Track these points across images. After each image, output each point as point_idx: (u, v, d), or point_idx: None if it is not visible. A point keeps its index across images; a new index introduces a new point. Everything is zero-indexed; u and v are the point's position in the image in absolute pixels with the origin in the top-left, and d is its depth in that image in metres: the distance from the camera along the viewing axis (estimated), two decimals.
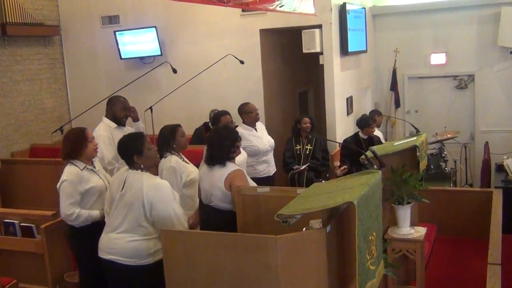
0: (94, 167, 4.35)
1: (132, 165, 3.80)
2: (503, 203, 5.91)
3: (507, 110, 9.29)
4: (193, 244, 2.75)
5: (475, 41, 9.31)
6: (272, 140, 6.57)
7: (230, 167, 4.06)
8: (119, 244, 3.72)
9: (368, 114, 7.92)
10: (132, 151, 3.77)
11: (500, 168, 7.75)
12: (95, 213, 4.20)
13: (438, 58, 9.62)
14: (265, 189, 3.49)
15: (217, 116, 6.02)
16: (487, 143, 8.70)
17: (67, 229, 4.36)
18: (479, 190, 7.15)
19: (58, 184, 4.19)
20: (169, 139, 4.68)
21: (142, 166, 3.78)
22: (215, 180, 4.03)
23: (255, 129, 6.44)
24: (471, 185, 8.82)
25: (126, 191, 3.72)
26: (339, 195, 2.63)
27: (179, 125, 4.83)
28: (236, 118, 6.56)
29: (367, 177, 2.92)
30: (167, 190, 3.69)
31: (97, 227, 4.09)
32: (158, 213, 3.60)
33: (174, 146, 4.68)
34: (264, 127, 6.68)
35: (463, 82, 9.68)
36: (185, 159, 4.83)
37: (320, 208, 2.53)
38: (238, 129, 6.32)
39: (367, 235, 2.62)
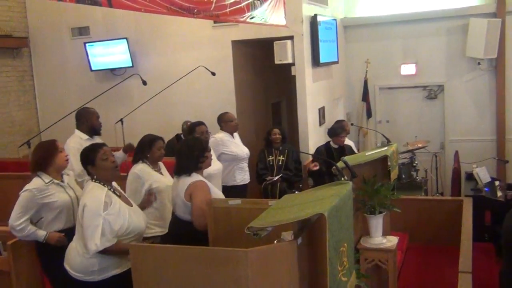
0: (63, 181, 4.26)
1: (89, 175, 3.79)
2: (473, 212, 6.00)
3: (476, 119, 9.46)
4: (163, 258, 2.70)
5: (444, 52, 9.47)
6: (247, 150, 6.70)
7: (193, 177, 4.02)
8: (71, 255, 3.70)
9: (340, 123, 7.94)
10: (86, 161, 3.76)
11: (470, 176, 7.86)
12: (42, 233, 4.12)
13: (408, 69, 9.75)
14: (237, 201, 3.45)
15: (192, 126, 6.02)
16: (457, 152, 8.82)
17: (36, 246, 4.27)
18: (450, 199, 7.25)
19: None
20: (144, 148, 4.73)
21: (95, 176, 3.73)
22: (179, 190, 4.00)
23: (232, 137, 6.58)
24: (442, 194, 8.92)
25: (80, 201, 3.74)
26: (310, 206, 2.62)
27: (160, 138, 4.87)
28: (211, 129, 6.55)
29: (337, 188, 2.91)
30: (98, 200, 3.58)
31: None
32: (83, 221, 3.54)
33: (148, 156, 4.72)
34: (239, 138, 6.72)
35: (433, 93, 9.83)
36: (162, 169, 4.86)
37: (291, 220, 2.51)
38: (218, 134, 6.40)
39: (338, 247, 2.61)
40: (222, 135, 6.48)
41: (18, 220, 4.05)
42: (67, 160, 4.32)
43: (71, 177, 4.46)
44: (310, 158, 7.87)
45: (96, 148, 3.79)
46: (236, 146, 6.55)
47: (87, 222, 3.51)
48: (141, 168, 4.66)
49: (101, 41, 8.74)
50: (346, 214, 2.79)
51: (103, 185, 3.69)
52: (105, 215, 3.55)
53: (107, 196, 3.62)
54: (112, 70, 8.81)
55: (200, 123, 5.98)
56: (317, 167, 6.87)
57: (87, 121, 5.45)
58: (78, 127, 5.49)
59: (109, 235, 3.55)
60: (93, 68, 8.85)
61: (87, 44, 8.75)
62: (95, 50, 8.75)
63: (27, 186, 4.10)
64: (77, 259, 3.63)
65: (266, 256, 2.55)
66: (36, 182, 4.11)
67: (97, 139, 5.51)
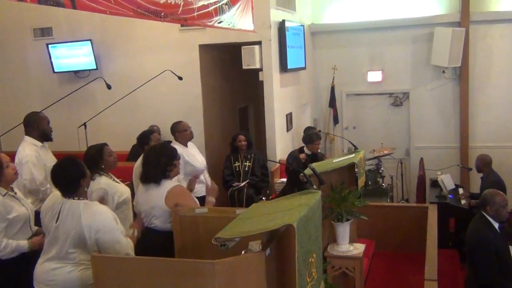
0: (15, 193, 4.07)
1: (74, 191, 3.53)
2: (438, 218, 6.05)
3: (441, 126, 9.61)
4: (127, 270, 2.61)
5: (410, 60, 9.59)
6: (204, 160, 6.49)
7: (168, 183, 3.91)
8: (60, 275, 3.47)
9: (314, 130, 7.93)
10: (78, 175, 3.54)
11: (435, 183, 7.97)
12: (24, 243, 3.90)
13: (374, 76, 9.84)
14: (203, 209, 3.38)
15: (146, 135, 5.84)
16: (422, 159, 8.93)
17: None
18: (415, 206, 7.31)
19: None
20: (97, 159, 4.44)
21: (86, 189, 3.59)
22: (154, 200, 3.87)
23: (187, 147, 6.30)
24: (407, 200, 9.01)
25: (61, 222, 3.47)
26: (279, 217, 2.57)
27: (105, 144, 4.62)
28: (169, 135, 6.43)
29: (307, 197, 2.87)
30: (108, 215, 3.47)
31: (22, 258, 3.84)
32: (102, 241, 3.38)
33: (103, 166, 4.47)
34: (195, 147, 6.52)
35: (399, 100, 9.94)
36: (115, 178, 4.63)
37: (259, 231, 2.45)
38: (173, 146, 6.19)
39: (307, 258, 2.56)
40: (176, 148, 6.23)
41: None
42: (16, 173, 4.09)
43: (18, 191, 4.25)
44: (278, 165, 7.84)
45: (80, 161, 3.65)
46: (192, 157, 6.22)
47: (110, 241, 3.37)
48: (105, 182, 4.39)
49: (64, 42, 8.52)
50: (315, 224, 2.75)
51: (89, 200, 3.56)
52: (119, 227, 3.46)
53: (109, 210, 3.52)
54: (76, 72, 8.61)
55: (152, 131, 5.85)
56: (305, 159, 6.74)
57: (38, 126, 5.08)
58: (28, 133, 5.10)
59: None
60: (56, 70, 8.62)
61: (49, 46, 8.53)
62: (58, 52, 8.53)
63: None
64: (70, 276, 3.45)
65: (234, 267, 2.49)
66: None
67: (47, 146, 5.23)
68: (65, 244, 3.46)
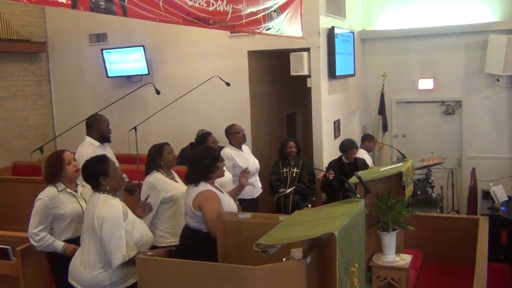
0: (76, 190, 4.26)
1: (97, 187, 3.73)
2: (489, 231, 5.87)
3: (494, 136, 9.32)
4: (170, 273, 2.66)
5: (463, 68, 9.36)
6: (258, 163, 6.55)
7: (202, 187, 3.99)
8: (79, 272, 3.66)
9: (349, 139, 7.85)
10: (98, 172, 3.71)
11: (487, 195, 7.73)
12: (59, 244, 4.11)
13: (425, 83, 9.66)
14: (247, 215, 3.41)
15: (205, 135, 5.97)
16: (474, 169, 8.69)
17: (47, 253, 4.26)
18: (466, 217, 7.11)
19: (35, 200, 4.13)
20: (156, 156, 4.72)
21: (108, 188, 3.71)
22: (188, 199, 3.97)
23: (241, 150, 6.43)
24: (457, 212, 8.78)
25: (87, 212, 3.70)
26: (321, 225, 2.56)
27: (166, 143, 4.87)
28: (223, 138, 6.51)
29: (349, 206, 2.85)
30: (118, 211, 3.58)
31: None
32: (104, 232, 3.51)
33: (162, 163, 4.71)
34: (249, 150, 6.64)
35: (451, 108, 9.71)
36: (176, 177, 4.84)
37: (301, 238, 2.45)
38: (225, 149, 6.29)
39: (348, 267, 2.54)
40: (228, 150, 6.35)
41: (35, 228, 4.05)
42: (78, 170, 4.29)
43: (86, 189, 4.43)
44: (324, 172, 7.79)
45: (106, 159, 3.81)
46: (244, 160, 6.34)
47: (109, 234, 3.49)
48: (155, 177, 4.63)
49: (118, 48, 8.77)
50: (358, 233, 2.73)
51: (112, 195, 3.66)
52: (125, 225, 3.55)
53: (123, 206, 3.63)
54: (128, 77, 8.83)
55: (210, 133, 6.00)
56: (333, 175, 6.73)
57: (98, 128, 5.39)
58: (89, 134, 5.42)
59: (132, 244, 3.56)
60: (109, 75, 8.88)
61: (104, 51, 8.79)
62: (111, 57, 8.79)
63: (40, 195, 4.12)
64: (87, 274, 3.61)
65: (274, 274, 2.50)
66: (49, 190, 4.13)
67: (107, 146, 5.49)
68: (87, 233, 3.65)
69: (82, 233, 3.72)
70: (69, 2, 2.84)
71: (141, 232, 3.68)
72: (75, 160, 4.38)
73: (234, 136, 6.38)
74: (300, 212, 3.20)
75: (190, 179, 4.08)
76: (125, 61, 8.70)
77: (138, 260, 2.79)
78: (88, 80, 9.30)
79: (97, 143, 5.36)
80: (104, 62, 8.82)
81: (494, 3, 9.08)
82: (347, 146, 7.06)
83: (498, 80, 9.05)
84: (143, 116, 7.33)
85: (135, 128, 6.27)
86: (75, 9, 2.89)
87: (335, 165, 7.07)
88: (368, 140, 8.23)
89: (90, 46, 9.14)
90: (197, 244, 3.87)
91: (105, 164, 3.74)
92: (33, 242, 4.12)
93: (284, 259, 2.69)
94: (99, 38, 9.08)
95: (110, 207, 3.57)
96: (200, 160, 4.07)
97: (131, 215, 3.69)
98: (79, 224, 4.19)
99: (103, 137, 5.42)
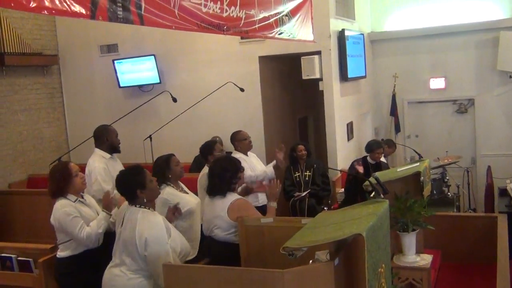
0: (85, 200, 4.27)
1: (134, 200, 3.65)
2: (508, 228, 5.82)
3: (508, 133, 9.26)
4: (197, 279, 2.66)
5: (474, 66, 9.32)
6: (265, 168, 6.47)
7: (232, 196, 3.98)
8: (120, 281, 3.60)
9: (375, 139, 7.90)
10: (135, 185, 3.62)
11: (504, 192, 7.68)
12: (101, 217, 4.15)
13: (437, 83, 9.63)
14: (269, 219, 3.41)
15: (209, 145, 5.91)
16: (489, 167, 8.64)
17: (57, 266, 4.25)
18: (484, 215, 7.06)
19: (51, 218, 4.10)
20: (164, 170, 4.58)
21: (145, 200, 3.64)
22: (218, 210, 3.94)
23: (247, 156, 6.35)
24: (474, 210, 8.71)
25: (124, 228, 3.62)
26: (347, 226, 2.55)
27: (172, 155, 4.75)
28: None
29: (374, 207, 2.84)
30: (161, 227, 3.54)
31: (85, 264, 4.03)
32: (149, 251, 3.45)
33: (170, 176, 4.59)
34: (255, 156, 6.56)
35: (463, 107, 9.67)
36: (184, 188, 4.75)
37: (328, 240, 2.45)
38: (234, 154, 6.26)
39: (376, 268, 2.53)
40: (236, 157, 6.31)
41: (80, 232, 4.01)
42: (84, 182, 4.29)
43: (90, 197, 4.46)
44: (339, 174, 7.78)
45: (142, 171, 3.72)
46: (252, 167, 6.24)
47: (155, 256, 3.41)
48: (168, 192, 4.51)
49: (129, 58, 8.82)
50: (384, 234, 2.72)
51: (150, 209, 3.62)
52: (170, 242, 3.51)
53: (164, 221, 3.57)
54: (140, 86, 8.88)
55: (215, 142, 5.93)
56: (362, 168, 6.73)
57: (107, 139, 5.28)
58: (98, 146, 5.30)
59: (178, 260, 3.51)
60: (121, 85, 8.93)
61: (115, 61, 8.85)
62: (123, 67, 8.84)
63: (59, 208, 4.06)
64: (129, 283, 3.56)
65: (302, 277, 2.49)
66: (64, 202, 4.09)
67: (116, 157, 5.45)
68: (124, 250, 3.59)
69: (116, 242, 3.66)
70: (88, 13, 2.86)
71: (180, 245, 3.64)
72: (81, 172, 4.37)
73: (241, 142, 6.27)
74: (324, 214, 3.20)
75: (215, 192, 4.07)
76: (137, 71, 8.74)
77: (164, 267, 2.79)
78: (100, 91, 9.36)
79: (108, 155, 5.26)
80: (116, 73, 8.87)
81: (503, 0, 9.04)
82: (374, 146, 7.05)
83: (510, 77, 8.99)
84: (156, 125, 7.38)
85: (150, 137, 6.32)
86: (94, 19, 2.91)
87: (359, 163, 7.05)
88: (388, 145, 8.24)
89: (101, 57, 9.20)
90: (225, 256, 3.82)
91: (142, 176, 3.65)
92: (90, 244, 4.08)
93: (310, 261, 2.69)
94: (110, 49, 9.14)
95: (152, 225, 3.50)
96: (223, 172, 4.07)
97: (172, 229, 3.64)
98: None
99: (113, 148, 5.33)
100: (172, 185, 4.59)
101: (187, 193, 4.70)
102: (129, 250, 3.55)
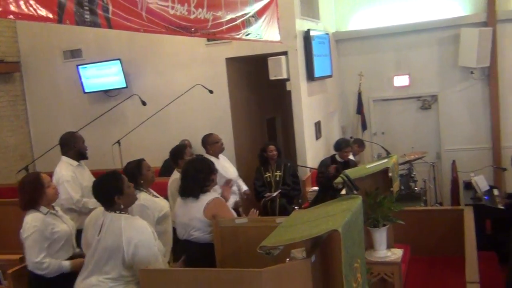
0: (57, 211, 4.17)
1: (111, 206, 3.57)
2: (475, 220, 5.97)
3: (471, 128, 9.49)
4: (174, 282, 2.65)
5: (437, 62, 9.53)
6: (236, 172, 6.57)
7: (207, 197, 3.97)
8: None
9: (344, 138, 7.99)
10: (112, 191, 3.55)
11: (469, 185, 7.86)
12: (66, 264, 3.99)
13: (401, 80, 9.79)
14: (243, 220, 3.42)
15: (180, 149, 5.89)
16: (454, 161, 8.83)
17: (32, 279, 4.11)
18: (450, 209, 7.22)
19: (22, 231, 3.96)
20: (135, 175, 4.50)
21: (122, 206, 3.58)
22: (194, 212, 3.93)
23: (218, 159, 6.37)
24: (441, 204, 8.90)
25: (104, 235, 3.52)
26: (322, 223, 2.58)
27: (143, 159, 4.69)
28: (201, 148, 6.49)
29: (348, 203, 2.88)
30: (148, 232, 3.51)
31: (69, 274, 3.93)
32: (139, 257, 3.40)
33: (142, 182, 4.53)
34: (226, 158, 6.58)
35: (427, 103, 9.86)
36: (154, 193, 4.70)
37: (305, 237, 2.47)
38: None
39: (352, 263, 2.57)
40: None
41: (37, 256, 3.87)
42: (56, 192, 4.19)
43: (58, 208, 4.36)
44: (309, 173, 7.84)
45: (120, 176, 3.66)
46: (224, 169, 6.26)
47: (146, 259, 3.37)
48: (145, 198, 4.44)
49: (94, 63, 8.69)
50: (358, 229, 2.76)
51: (130, 215, 3.57)
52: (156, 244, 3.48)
53: (149, 225, 3.53)
54: (106, 91, 8.76)
55: (185, 146, 5.95)
56: (335, 169, 6.79)
57: (74, 146, 5.21)
58: (65, 153, 5.22)
59: (166, 262, 3.51)
60: (86, 90, 8.79)
61: (79, 67, 8.71)
62: (88, 72, 8.71)
63: (29, 222, 3.93)
64: None
65: (280, 275, 2.51)
66: (36, 215, 3.95)
67: (83, 164, 5.37)
68: (105, 257, 3.50)
69: (92, 251, 3.56)
70: (55, 17, 2.82)
71: (158, 246, 3.61)
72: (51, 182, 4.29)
73: (213, 145, 6.28)
74: (298, 212, 3.22)
75: (188, 193, 4.05)
76: (102, 76, 8.62)
77: (140, 272, 2.77)
78: (64, 98, 9.19)
79: (75, 163, 5.19)
80: (80, 78, 8.73)
81: None
82: (342, 144, 7.15)
83: (472, 72, 9.22)
84: (124, 130, 7.30)
85: (118, 142, 6.25)
86: (61, 24, 2.87)
87: (328, 163, 7.12)
88: (358, 145, 8.35)
89: (65, 62, 9.05)
90: (204, 256, 3.82)
91: (120, 182, 3.59)
92: (40, 272, 3.92)
93: (287, 260, 2.71)
94: (74, 54, 8.99)
95: (139, 229, 3.46)
96: (197, 174, 4.05)
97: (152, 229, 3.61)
98: (70, 244, 4.13)
99: (81, 155, 5.26)
100: (145, 190, 4.54)
101: (158, 197, 4.67)
102: (112, 258, 3.47)
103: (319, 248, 2.64)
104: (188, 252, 3.99)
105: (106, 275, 3.51)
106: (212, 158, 6.06)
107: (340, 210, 2.73)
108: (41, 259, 3.88)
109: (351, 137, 9.57)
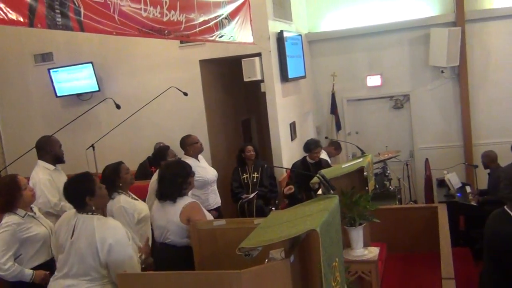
0: (34, 213, 4.13)
1: (82, 207, 3.56)
2: (448, 217, 6.07)
3: (443, 126, 9.65)
4: (153, 286, 2.63)
5: (408, 62, 9.66)
6: (215, 171, 6.56)
7: (183, 200, 3.95)
8: None
9: (313, 138, 7.99)
10: (84, 192, 3.54)
11: (442, 183, 8.00)
12: (28, 272, 3.96)
13: (374, 80, 9.90)
14: (221, 222, 3.41)
15: (162, 151, 5.89)
16: (427, 159, 8.96)
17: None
18: (424, 206, 7.33)
19: None
20: (114, 178, 4.53)
21: (94, 207, 3.57)
22: (170, 216, 3.91)
23: (198, 161, 6.39)
24: (415, 202, 9.02)
25: (76, 237, 3.50)
26: (300, 223, 2.59)
27: (121, 162, 4.70)
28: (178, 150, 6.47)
29: (325, 203, 2.90)
30: (122, 232, 3.51)
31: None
32: (114, 257, 3.40)
33: (120, 184, 4.55)
34: (204, 159, 6.59)
35: (399, 102, 9.99)
36: (133, 196, 4.70)
37: (283, 238, 2.48)
38: (186, 159, 6.25)
39: (330, 262, 2.59)
40: (188, 162, 6.32)
41: (3, 257, 3.85)
42: (33, 194, 4.17)
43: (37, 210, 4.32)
44: (285, 174, 7.87)
45: (91, 177, 3.65)
46: (203, 169, 6.33)
47: (121, 258, 3.37)
48: (125, 200, 4.47)
49: (65, 66, 8.57)
50: (336, 228, 2.78)
51: (102, 215, 3.56)
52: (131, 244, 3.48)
53: (127, 227, 3.52)
54: (78, 95, 8.65)
55: (168, 147, 5.95)
56: (292, 190, 6.83)
57: (50, 150, 5.22)
58: (41, 157, 5.24)
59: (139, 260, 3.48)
60: (58, 94, 8.67)
61: (51, 70, 8.58)
62: (59, 76, 8.58)
63: (4, 223, 3.92)
64: None
65: (260, 276, 2.51)
66: (12, 217, 3.95)
67: (60, 168, 5.35)
68: (80, 260, 3.48)
69: (65, 253, 3.52)
70: (26, 20, 2.78)
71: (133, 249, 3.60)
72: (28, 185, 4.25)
73: (192, 146, 6.30)
74: (276, 213, 3.23)
75: (165, 197, 4.03)
76: (74, 79, 8.51)
77: (118, 276, 2.74)
78: (36, 102, 9.04)
79: (52, 167, 5.21)
80: (52, 82, 8.61)
81: None
82: (312, 145, 7.17)
83: (442, 71, 9.37)
84: (97, 134, 7.21)
85: (92, 146, 6.18)
86: (32, 27, 2.83)
87: (298, 166, 7.15)
88: (335, 147, 8.42)
89: (36, 66, 8.90)
90: (181, 260, 3.80)
91: (91, 183, 3.58)
92: (0, 273, 3.91)
93: (266, 261, 2.71)
94: (45, 58, 8.85)
95: (112, 229, 3.44)
96: (174, 177, 4.03)
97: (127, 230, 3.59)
98: (48, 247, 4.08)
99: (57, 159, 5.29)
100: (124, 193, 4.55)
101: (137, 200, 4.67)
102: (87, 259, 3.45)
103: (298, 248, 2.65)
104: (164, 255, 3.98)
105: (82, 276, 3.48)
106: (192, 159, 6.18)
107: (318, 210, 2.75)
108: (5, 260, 3.86)
109: (326, 137, 9.65)
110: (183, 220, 3.85)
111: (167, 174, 4.07)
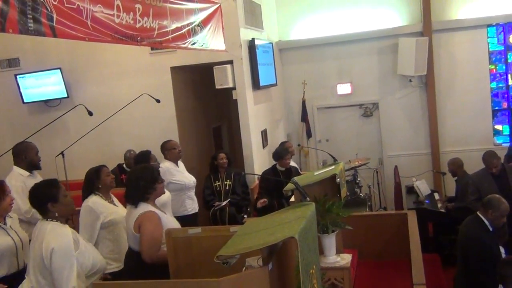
0: (5, 223, 4.02)
1: (45, 214, 3.55)
2: (418, 223, 6.15)
3: (411, 134, 9.82)
4: None
5: (377, 71, 9.81)
6: (193, 178, 6.61)
7: (142, 208, 3.88)
8: None
9: (281, 146, 7.99)
10: (46, 198, 3.53)
11: (411, 190, 8.12)
12: None
13: (343, 88, 10.01)
14: (197, 229, 3.38)
15: (145, 154, 5.83)
16: (396, 167, 9.09)
17: None
18: (394, 213, 7.41)
19: None
20: (93, 179, 4.59)
21: (57, 214, 3.54)
22: (129, 221, 3.87)
23: (177, 166, 6.48)
24: (385, 208, 9.12)
25: (33, 243, 3.52)
26: (278, 230, 2.59)
27: (104, 165, 4.78)
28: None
29: (302, 210, 2.90)
30: (67, 239, 3.45)
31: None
32: (54, 264, 3.36)
33: (100, 186, 4.59)
34: (183, 165, 6.62)
35: (369, 110, 10.12)
36: (115, 200, 4.72)
37: (262, 246, 2.47)
38: (163, 164, 6.24)
39: (308, 269, 2.59)
40: (168, 164, 6.36)
41: None
42: (11, 204, 4.08)
43: (14, 219, 4.21)
44: (257, 181, 7.86)
45: (57, 184, 3.63)
46: (182, 174, 6.45)
47: (60, 265, 3.32)
48: (94, 201, 4.50)
49: (32, 72, 8.39)
50: (313, 236, 2.79)
51: (61, 223, 3.50)
52: (77, 255, 3.39)
53: (73, 233, 3.46)
54: (46, 101, 8.48)
55: (150, 152, 5.92)
56: (265, 204, 6.82)
57: (26, 157, 5.19)
58: (17, 164, 5.22)
59: (83, 275, 3.38)
60: (25, 101, 8.48)
61: (18, 76, 8.40)
62: (26, 82, 8.40)
63: None
64: None
65: (238, 284, 2.50)
66: None
67: (37, 174, 5.28)
68: (36, 265, 3.45)
69: (28, 265, 3.50)
70: None
71: (92, 260, 3.52)
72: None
73: (170, 152, 6.42)
74: (253, 221, 3.22)
75: (128, 200, 3.99)
76: (42, 85, 8.33)
77: (94, 286, 2.69)
78: (2, 109, 8.81)
79: (26, 173, 5.17)
80: (19, 88, 8.42)
81: (402, 9, 9.61)
82: (282, 153, 7.15)
83: (410, 80, 9.55)
84: (66, 141, 7.08)
85: (62, 153, 6.07)
86: (4, 32, 2.77)
87: (269, 174, 7.14)
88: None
89: (2, 72, 8.69)
90: (143, 267, 3.74)
91: (55, 189, 3.56)
92: None
93: (244, 269, 2.70)
94: (11, 63, 8.65)
95: (59, 236, 3.40)
96: (137, 181, 3.95)
97: (82, 242, 3.52)
98: (13, 259, 3.96)
99: (33, 166, 5.26)
100: (100, 194, 4.56)
101: (116, 205, 4.62)
102: (39, 265, 3.42)
103: (275, 255, 2.65)
104: (127, 259, 3.94)
105: (42, 282, 3.45)
106: (170, 163, 6.35)
107: (295, 217, 2.75)
108: None
109: (298, 145, 9.70)
110: (135, 228, 3.79)
111: (132, 177, 4.02)
